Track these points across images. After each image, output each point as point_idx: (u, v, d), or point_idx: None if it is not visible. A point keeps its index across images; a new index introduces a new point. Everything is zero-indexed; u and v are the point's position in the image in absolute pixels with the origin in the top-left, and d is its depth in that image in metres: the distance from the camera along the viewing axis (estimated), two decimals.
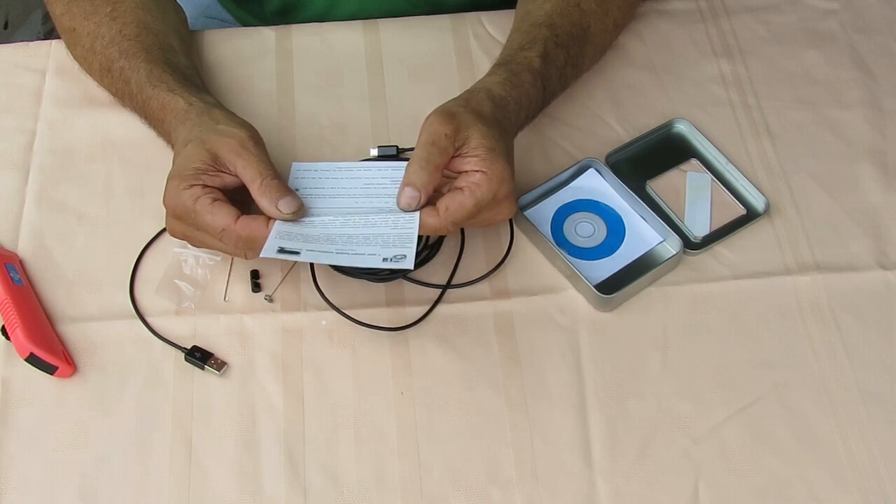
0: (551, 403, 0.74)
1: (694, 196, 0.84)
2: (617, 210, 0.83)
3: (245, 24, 1.06)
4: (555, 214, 0.82)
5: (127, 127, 0.86)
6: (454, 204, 0.70)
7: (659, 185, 0.85)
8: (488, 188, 0.70)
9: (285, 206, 0.70)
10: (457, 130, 0.70)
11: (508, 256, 0.80)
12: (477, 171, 0.70)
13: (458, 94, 0.76)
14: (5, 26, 1.90)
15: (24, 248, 0.80)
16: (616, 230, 0.82)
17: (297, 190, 0.74)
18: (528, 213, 0.81)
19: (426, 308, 0.77)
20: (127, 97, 0.82)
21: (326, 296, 0.77)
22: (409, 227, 0.70)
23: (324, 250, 0.70)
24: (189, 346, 0.75)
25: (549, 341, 0.76)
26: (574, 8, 0.84)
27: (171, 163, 0.74)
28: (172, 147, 0.76)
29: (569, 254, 0.79)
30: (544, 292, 0.79)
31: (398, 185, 0.71)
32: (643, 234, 0.81)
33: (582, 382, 0.75)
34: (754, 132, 0.88)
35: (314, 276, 0.78)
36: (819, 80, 0.92)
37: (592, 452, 0.72)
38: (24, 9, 1.91)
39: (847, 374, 0.75)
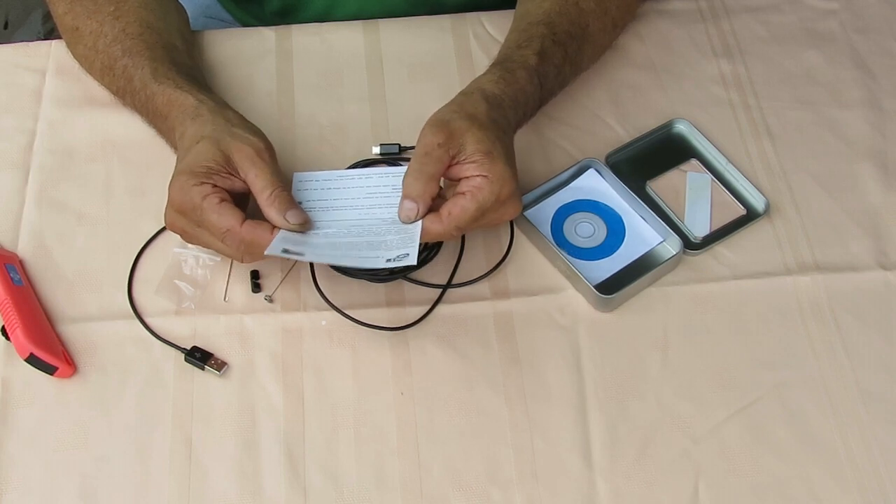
0: (551, 403, 0.74)
1: (694, 196, 0.84)
2: (617, 210, 0.83)
3: (245, 25, 1.06)
4: (555, 214, 0.82)
5: (127, 127, 0.86)
6: (457, 209, 0.70)
7: (659, 185, 0.85)
8: (490, 191, 0.70)
9: (293, 217, 0.71)
10: (450, 138, 0.70)
11: (508, 256, 0.80)
12: (478, 175, 0.70)
13: (458, 94, 0.76)
14: (5, 26, 1.90)
15: (24, 248, 0.80)
16: (616, 230, 0.82)
17: (300, 203, 0.74)
18: (528, 213, 0.81)
19: (426, 308, 0.77)
20: (129, 95, 0.82)
21: (326, 296, 0.77)
22: (412, 230, 0.70)
23: (325, 253, 0.70)
24: (189, 347, 0.75)
25: (548, 341, 0.76)
26: (573, 7, 0.84)
27: (176, 157, 0.74)
28: (174, 143, 0.76)
29: (569, 254, 0.79)
30: (544, 292, 0.79)
31: (400, 192, 0.71)
32: (643, 234, 0.81)
33: (582, 382, 0.75)
34: (754, 132, 0.88)
35: (314, 277, 0.78)
36: (819, 80, 0.92)
37: (592, 452, 0.72)
38: (24, 9, 1.91)
39: (847, 374, 0.75)
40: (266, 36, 0.94)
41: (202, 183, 0.70)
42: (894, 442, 0.72)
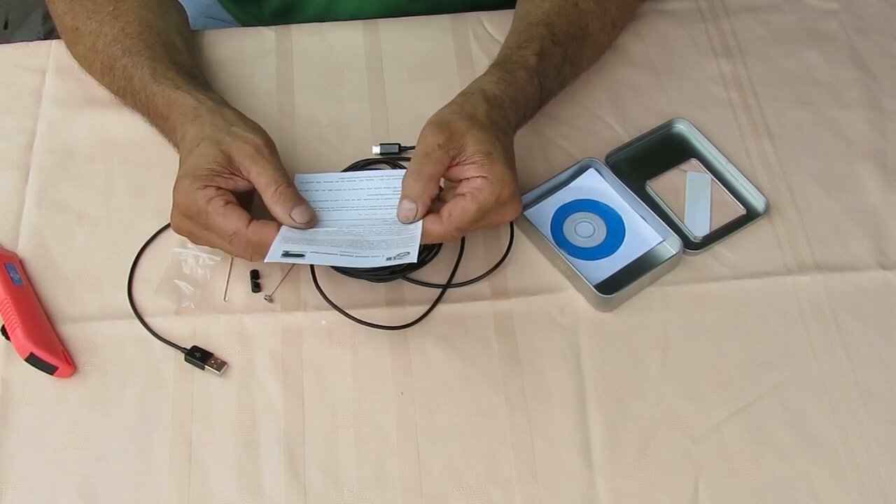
0: (551, 403, 0.74)
1: (694, 196, 0.84)
2: (617, 210, 0.83)
3: (245, 25, 1.06)
4: (555, 214, 0.82)
5: (127, 127, 0.86)
6: (457, 210, 0.70)
7: (659, 185, 0.85)
8: (490, 192, 0.70)
9: (298, 215, 0.71)
10: (450, 139, 0.70)
11: (508, 256, 0.80)
12: (478, 176, 0.70)
13: (458, 94, 0.76)
14: (5, 26, 1.90)
15: (24, 248, 0.80)
16: (616, 230, 0.82)
17: None
18: (528, 213, 0.81)
19: (426, 308, 0.77)
20: (129, 95, 0.82)
21: (327, 295, 0.77)
22: (413, 231, 0.70)
23: (328, 252, 0.70)
24: (189, 346, 0.75)
25: (548, 341, 0.76)
26: (572, 7, 0.84)
27: (179, 160, 0.74)
28: (177, 143, 0.76)
29: (569, 254, 0.79)
30: (544, 292, 0.79)
31: (399, 194, 0.71)
32: (643, 234, 0.81)
33: (582, 382, 0.75)
34: (754, 132, 0.88)
35: (314, 276, 0.78)
36: (819, 80, 0.92)
37: (592, 452, 0.72)
38: (24, 9, 1.91)
39: (847, 374, 0.75)
40: (266, 36, 0.94)
41: (205, 186, 0.70)
42: (894, 442, 0.72)
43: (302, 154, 0.86)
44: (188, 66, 0.82)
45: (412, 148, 0.79)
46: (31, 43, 0.94)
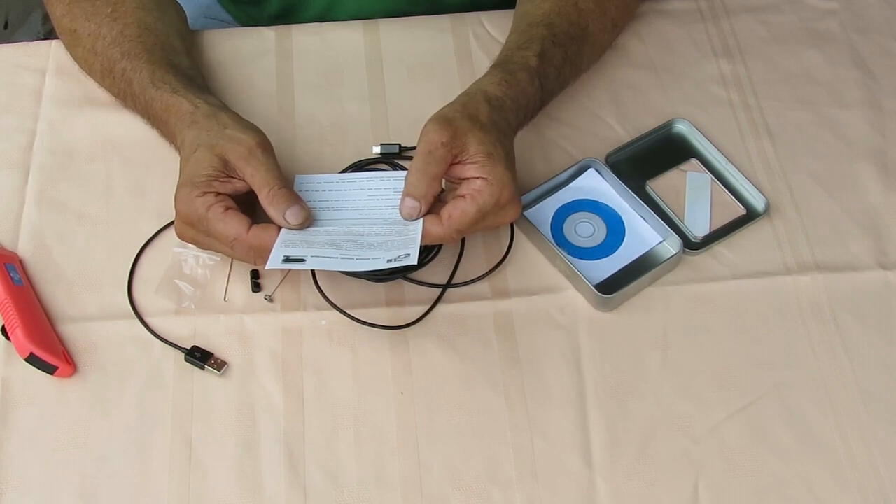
0: (551, 403, 0.74)
1: (694, 196, 0.84)
2: (617, 210, 0.83)
3: (245, 25, 1.06)
4: (555, 214, 0.82)
5: (127, 127, 0.86)
6: (457, 212, 0.70)
7: (659, 185, 0.85)
8: (490, 194, 0.70)
9: (292, 216, 0.71)
10: (453, 138, 0.70)
11: (508, 256, 0.80)
12: (478, 177, 0.70)
13: (458, 94, 0.76)
14: (5, 26, 1.90)
15: (24, 248, 0.80)
16: (616, 230, 0.82)
17: None
18: (528, 213, 0.81)
19: (426, 308, 0.77)
20: (129, 98, 0.82)
21: (326, 295, 0.77)
22: (413, 232, 0.70)
23: (328, 255, 0.70)
24: (189, 346, 0.75)
25: (548, 341, 0.76)
26: (572, 7, 0.84)
27: (179, 167, 0.74)
28: (178, 149, 0.77)
29: (569, 254, 0.79)
30: (544, 292, 0.79)
31: (400, 195, 0.72)
32: (643, 234, 0.81)
33: (582, 382, 0.74)
34: (754, 132, 0.88)
35: (314, 276, 0.78)
36: (819, 80, 0.92)
37: (592, 452, 0.72)
38: (24, 9, 1.91)
39: (847, 374, 0.75)
40: (266, 36, 0.94)
41: (204, 193, 0.70)
42: (894, 442, 0.72)
43: (302, 154, 0.86)
44: (186, 67, 0.82)
45: (413, 148, 0.80)
46: (31, 43, 0.94)
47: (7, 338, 0.73)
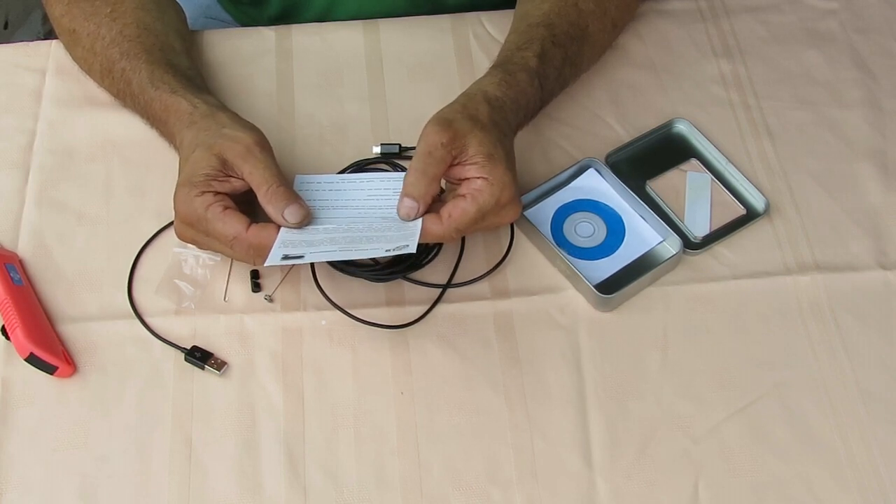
0: (551, 403, 0.74)
1: (694, 196, 0.84)
2: (617, 210, 0.83)
3: (245, 25, 1.06)
4: (555, 214, 0.82)
5: (127, 127, 0.86)
6: (457, 211, 0.70)
7: (659, 185, 0.85)
8: (490, 194, 0.70)
9: (291, 215, 0.71)
10: (453, 139, 0.70)
11: (508, 256, 0.80)
12: (478, 177, 0.70)
13: (458, 94, 0.76)
14: (5, 26, 1.90)
15: (24, 248, 0.80)
16: (616, 230, 0.82)
17: None
18: (528, 213, 0.81)
19: (426, 308, 0.77)
20: (129, 98, 0.82)
21: (327, 295, 0.77)
22: (412, 227, 0.70)
23: (326, 249, 0.70)
24: (189, 346, 0.75)
25: (548, 341, 0.76)
26: (572, 8, 0.84)
27: (179, 167, 0.74)
28: (177, 148, 0.77)
29: (569, 254, 0.79)
30: (544, 292, 0.79)
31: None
32: (643, 234, 0.81)
33: (582, 382, 0.74)
34: (754, 132, 0.88)
35: (315, 276, 0.78)
36: (819, 80, 0.92)
37: (592, 452, 0.72)
38: (24, 9, 1.92)
39: (847, 374, 0.75)
40: (266, 36, 0.94)
41: (203, 193, 0.70)
42: (894, 442, 0.72)
43: (302, 154, 0.86)
44: (186, 68, 0.82)
45: (413, 148, 0.79)
46: (31, 43, 0.94)
47: (7, 338, 0.73)
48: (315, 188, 0.77)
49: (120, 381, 0.74)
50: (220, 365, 0.74)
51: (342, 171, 0.84)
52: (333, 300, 0.76)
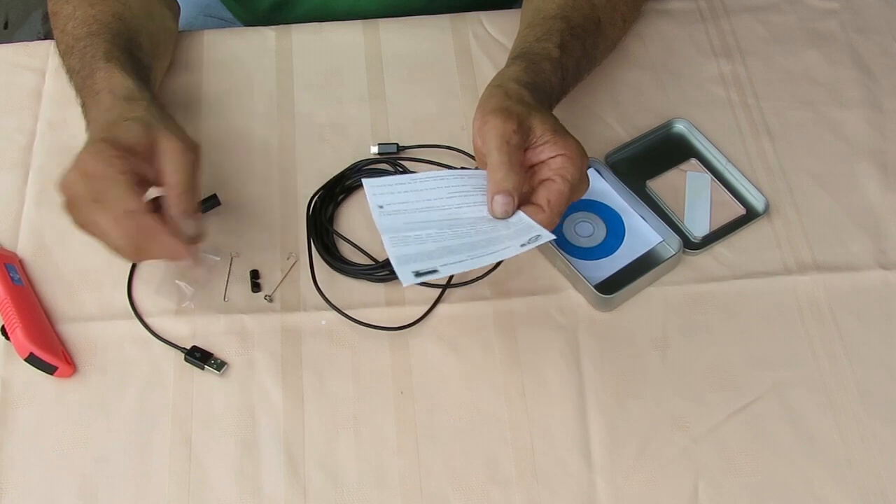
0: (551, 403, 0.74)
1: (694, 196, 0.84)
2: (617, 210, 0.83)
3: (242, 20, 1.06)
4: None
5: None
6: (554, 195, 0.67)
7: (659, 185, 0.85)
8: (575, 167, 0.68)
9: (189, 226, 0.68)
10: (520, 124, 0.68)
11: None
12: (556, 155, 0.68)
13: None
14: (5, 26, 1.90)
15: (24, 248, 0.80)
16: (616, 230, 0.82)
17: (382, 207, 0.70)
18: None
19: (426, 308, 0.77)
20: (77, 74, 0.78)
21: (326, 296, 0.77)
22: (524, 220, 0.68)
23: (458, 260, 0.66)
24: (189, 346, 0.75)
25: (548, 341, 0.76)
26: (585, 1, 0.84)
27: (91, 126, 0.71)
28: (94, 108, 0.73)
29: (569, 254, 0.79)
30: (544, 292, 0.79)
31: (482, 191, 0.69)
32: (643, 233, 0.81)
33: (581, 382, 0.75)
34: (754, 132, 0.88)
35: (314, 276, 0.78)
36: (819, 80, 0.92)
37: (592, 452, 0.72)
38: (24, 9, 1.92)
39: (847, 374, 0.75)
40: (266, 35, 0.94)
41: (123, 157, 0.67)
42: (894, 442, 0.72)
43: (302, 154, 0.86)
44: (145, 67, 0.80)
45: (411, 147, 0.80)
46: (31, 43, 0.94)
47: (7, 338, 0.73)
48: (390, 191, 0.72)
49: (120, 382, 0.74)
50: (219, 365, 0.74)
51: (342, 171, 0.84)
52: (333, 301, 0.76)
